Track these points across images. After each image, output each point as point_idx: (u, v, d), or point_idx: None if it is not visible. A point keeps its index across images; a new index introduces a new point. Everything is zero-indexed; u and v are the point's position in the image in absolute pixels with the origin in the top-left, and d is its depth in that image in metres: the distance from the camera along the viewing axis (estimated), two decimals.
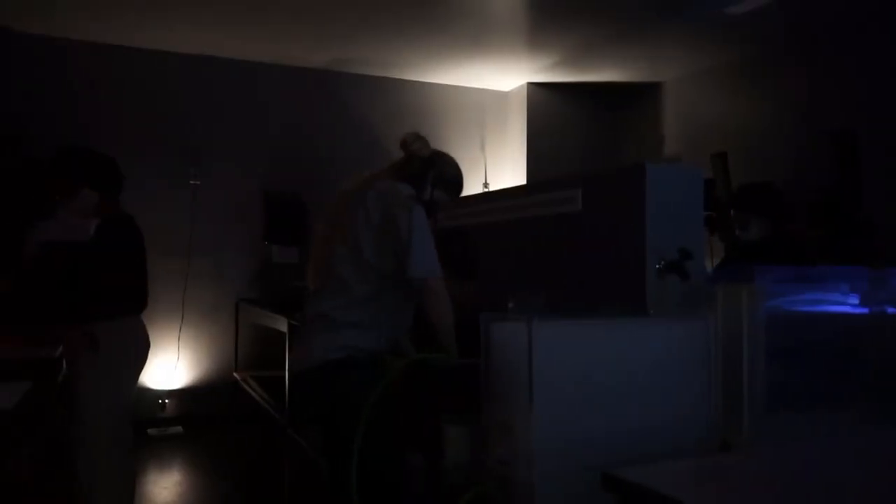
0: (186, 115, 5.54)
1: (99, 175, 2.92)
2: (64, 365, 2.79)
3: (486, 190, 6.30)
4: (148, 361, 3.06)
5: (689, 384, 1.90)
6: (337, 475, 2.13)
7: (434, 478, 2.22)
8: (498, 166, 6.57)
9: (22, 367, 2.44)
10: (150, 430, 5.14)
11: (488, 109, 6.59)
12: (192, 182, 5.45)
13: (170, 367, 5.39)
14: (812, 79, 5.04)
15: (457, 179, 2.42)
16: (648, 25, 4.91)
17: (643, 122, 6.52)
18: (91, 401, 2.77)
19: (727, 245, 4.10)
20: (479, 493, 1.85)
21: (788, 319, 1.91)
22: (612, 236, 2.18)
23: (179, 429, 5.28)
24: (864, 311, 2.05)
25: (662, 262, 1.99)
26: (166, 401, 5.39)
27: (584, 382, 1.80)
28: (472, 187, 6.29)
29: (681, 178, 2.17)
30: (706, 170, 4.14)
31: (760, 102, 5.41)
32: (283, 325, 4.13)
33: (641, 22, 4.85)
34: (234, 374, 5.46)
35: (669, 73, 6.11)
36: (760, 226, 3.20)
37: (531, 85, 6.38)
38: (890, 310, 2.08)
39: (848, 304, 2.04)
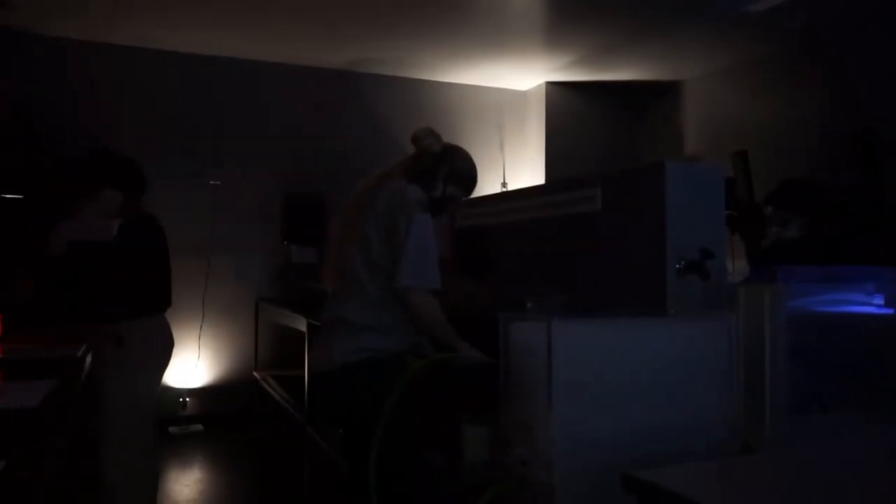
0: (207, 116, 5.59)
1: (122, 176, 2.96)
2: (87, 363, 2.82)
3: (504, 189, 6.29)
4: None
5: (709, 385, 1.88)
6: (356, 475, 2.14)
7: (453, 477, 2.23)
8: (516, 166, 6.56)
9: (46, 365, 2.47)
10: (171, 428, 5.20)
11: (506, 109, 6.58)
12: (212, 182, 5.50)
13: (190, 365, 5.44)
14: (832, 77, 4.98)
15: (470, 174, 2.38)
16: (668, 24, 4.88)
17: (662, 120, 6.47)
18: (117, 399, 2.80)
19: (748, 245, 4.06)
20: (498, 493, 1.85)
21: (812, 320, 1.89)
22: (631, 236, 2.16)
23: (200, 427, 5.33)
24: (889, 311, 2.02)
25: (683, 262, 1.98)
26: (187, 399, 5.44)
27: (604, 383, 1.79)
28: (490, 187, 6.30)
29: (701, 176, 2.15)
30: (727, 169, 4.10)
31: (781, 100, 5.36)
32: (302, 325, 4.15)
33: (661, 20, 4.82)
34: (254, 374, 5.50)
35: (689, 72, 6.06)
36: (803, 224, 3.15)
37: (549, 84, 6.36)
38: None
39: (873, 305, 2.01)
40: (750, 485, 1.30)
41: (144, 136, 5.11)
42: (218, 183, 5.52)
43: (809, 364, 1.87)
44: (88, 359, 2.86)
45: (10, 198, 3.77)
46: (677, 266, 1.98)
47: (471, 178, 2.39)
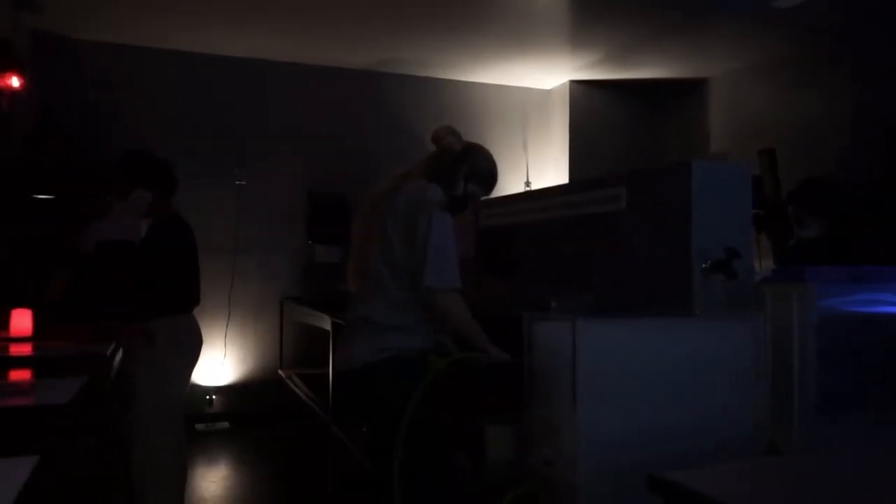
0: (233, 116, 5.65)
1: (152, 176, 3.00)
2: (117, 361, 2.87)
3: (527, 189, 6.27)
4: None
5: (736, 385, 1.87)
6: (380, 473, 2.15)
7: (476, 477, 2.23)
8: (540, 165, 6.54)
9: (77, 362, 2.52)
10: (197, 426, 5.26)
11: (530, 108, 6.56)
12: (237, 182, 5.55)
13: (217, 363, 5.51)
14: (861, 73, 4.89)
15: (490, 173, 2.36)
16: (694, 21, 4.83)
17: (688, 119, 6.41)
18: (146, 396, 2.85)
19: (775, 244, 4.01)
20: (523, 493, 1.85)
21: (841, 320, 1.86)
22: (657, 235, 2.15)
23: (226, 424, 5.39)
24: None
25: (709, 262, 1.96)
26: (213, 397, 5.50)
27: (629, 383, 1.78)
28: (513, 186, 6.29)
29: (728, 175, 2.13)
30: (754, 167, 4.05)
31: (809, 97, 5.28)
32: (326, 324, 4.18)
33: (687, 17, 4.77)
34: (279, 372, 5.55)
35: (716, 69, 5.99)
36: (819, 224, 3.11)
37: (574, 83, 6.33)
38: None
39: None
40: (778, 487, 1.28)
41: (172, 138, 5.17)
42: (243, 183, 5.57)
43: (838, 365, 1.85)
44: (118, 356, 2.91)
45: (42, 198, 3.84)
46: (703, 266, 1.97)
47: (491, 177, 2.38)
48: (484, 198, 2.47)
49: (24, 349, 2.89)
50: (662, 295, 2.04)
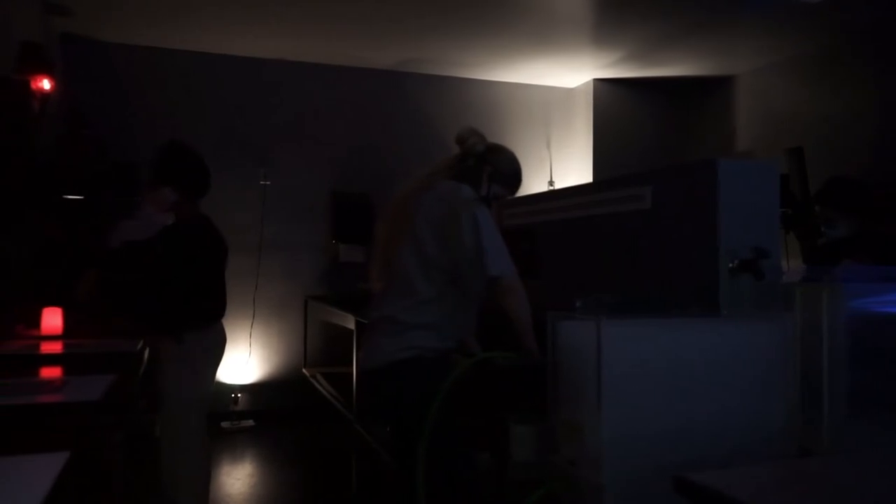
0: (258, 117, 5.70)
1: (182, 176, 2.94)
2: (145, 359, 2.91)
3: (551, 188, 6.25)
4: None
5: (764, 387, 1.84)
6: (404, 472, 2.15)
7: (499, 476, 2.23)
8: (564, 164, 6.51)
9: (107, 360, 2.56)
10: (223, 424, 5.32)
11: (554, 107, 6.54)
12: (262, 182, 5.60)
13: (242, 362, 5.56)
14: (890, 70, 4.80)
15: (514, 173, 2.38)
16: (720, 17, 4.77)
17: (714, 117, 6.34)
18: (172, 395, 2.87)
19: (803, 243, 3.95)
20: (546, 493, 1.84)
21: (872, 320, 1.83)
22: (682, 234, 2.13)
23: (251, 422, 5.44)
24: None
25: (736, 262, 1.94)
26: (239, 395, 5.56)
27: (654, 383, 1.77)
28: (537, 185, 6.27)
29: (755, 173, 2.11)
30: (781, 165, 4.00)
31: (837, 95, 5.19)
32: (350, 323, 4.20)
33: (713, 14, 4.72)
34: (304, 371, 5.59)
35: (742, 66, 5.92)
36: (848, 223, 3.06)
37: (597, 81, 6.29)
38: None
39: None
40: (808, 490, 1.26)
41: (199, 138, 5.16)
42: (268, 183, 5.62)
43: (869, 366, 1.82)
44: (146, 354, 2.95)
45: (72, 199, 3.91)
46: (730, 265, 1.94)
47: (515, 178, 2.39)
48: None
49: (55, 347, 2.95)
50: (688, 295, 2.02)
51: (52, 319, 3.17)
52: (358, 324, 4.00)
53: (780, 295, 1.94)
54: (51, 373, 2.52)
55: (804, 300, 1.83)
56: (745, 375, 1.83)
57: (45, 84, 3.69)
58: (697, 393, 1.80)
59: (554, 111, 6.53)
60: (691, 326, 1.85)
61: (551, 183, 6.40)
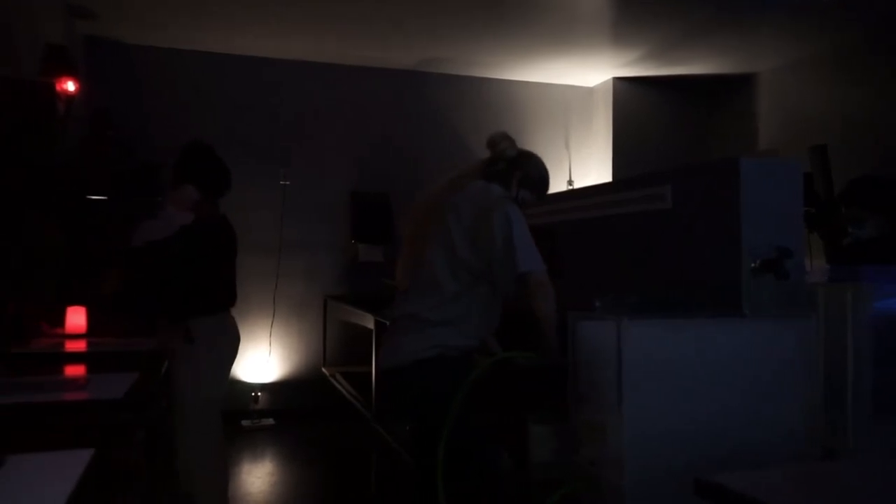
0: (278, 118, 5.73)
1: (204, 176, 3.01)
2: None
3: (570, 188, 6.22)
4: (242, 356, 3.17)
5: (787, 388, 1.82)
6: (424, 471, 2.16)
7: (519, 476, 2.22)
8: (583, 163, 6.48)
9: (128, 358, 2.59)
10: (243, 422, 5.35)
11: (573, 106, 6.51)
12: (282, 183, 5.64)
13: (262, 361, 5.60)
14: None
15: (543, 180, 2.41)
16: (740, 15, 4.73)
17: (735, 115, 6.28)
18: (186, 394, 2.90)
19: (827, 243, 3.90)
20: (567, 493, 1.84)
21: None
22: (704, 234, 2.11)
23: (271, 421, 5.47)
24: None
25: (759, 261, 1.92)
26: (259, 394, 5.59)
27: (675, 384, 1.75)
28: (556, 185, 6.24)
29: (778, 172, 2.08)
30: (805, 164, 3.94)
31: (861, 92, 5.11)
32: (369, 323, 4.21)
33: (734, 11, 4.67)
34: (323, 370, 5.61)
35: (764, 64, 5.85)
36: (876, 222, 3.02)
37: (617, 80, 6.25)
38: None
39: None
40: (831, 491, 1.25)
41: (220, 139, 5.21)
42: (288, 184, 5.65)
43: (894, 366, 1.79)
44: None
45: (96, 199, 3.96)
46: (753, 265, 1.93)
47: (543, 184, 2.43)
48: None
49: (79, 345, 2.99)
50: (710, 295, 2.00)
51: (77, 318, 3.21)
52: (377, 323, 4.01)
53: (803, 295, 1.92)
54: (75, 371, 2.56)
55: (828, 300, 1.81)
56: (767, 376, 1.81)
57: (70, 86, 3.74)
58: (719, 394, 1.78)
59: (573, 110, 6.50)
60: (713, 327, 1.83)
61: (571, 182, 6.37)
